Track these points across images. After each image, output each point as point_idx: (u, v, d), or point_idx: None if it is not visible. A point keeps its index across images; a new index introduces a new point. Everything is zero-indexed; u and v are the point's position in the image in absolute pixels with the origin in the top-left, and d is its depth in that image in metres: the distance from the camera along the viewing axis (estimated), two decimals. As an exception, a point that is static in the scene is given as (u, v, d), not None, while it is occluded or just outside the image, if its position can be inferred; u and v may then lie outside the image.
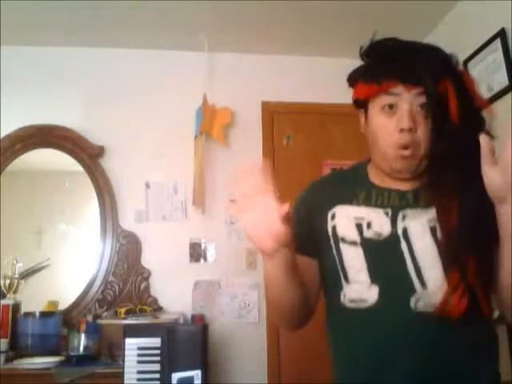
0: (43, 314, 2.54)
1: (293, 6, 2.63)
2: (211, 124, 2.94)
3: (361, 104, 1.07)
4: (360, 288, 1.00)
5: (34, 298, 2.66)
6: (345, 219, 1.04)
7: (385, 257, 1.00)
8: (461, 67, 1.05)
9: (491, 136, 0.98)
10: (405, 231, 1.00)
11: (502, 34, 2.30)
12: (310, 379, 2.69)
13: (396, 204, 1.03)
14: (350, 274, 1.02)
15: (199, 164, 2.88)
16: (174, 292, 2.84)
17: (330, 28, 2.88)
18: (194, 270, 2.88)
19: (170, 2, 2.57)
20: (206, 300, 2.86)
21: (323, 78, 3.07)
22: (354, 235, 1.02)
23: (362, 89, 1.04)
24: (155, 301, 2.81)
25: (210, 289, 2.87)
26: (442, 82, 0.97)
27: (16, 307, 2.59)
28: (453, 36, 2.74)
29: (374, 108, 1.03)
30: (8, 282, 2.66)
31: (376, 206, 1.04)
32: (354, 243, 1.02)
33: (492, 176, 0.87)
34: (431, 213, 0.99)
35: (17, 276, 2.69)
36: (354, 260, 1.02)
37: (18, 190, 2.91)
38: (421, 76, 0.97)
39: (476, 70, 2.50)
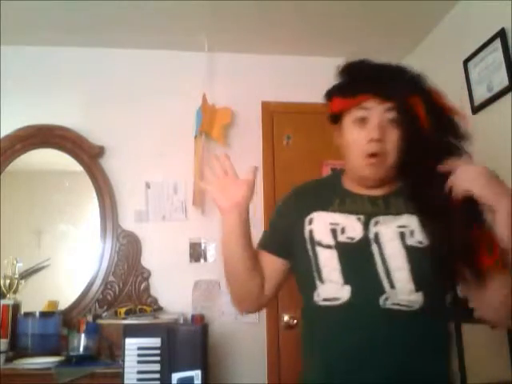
0: (43, 314, 2.54)
1: (293, 7, 2.63)
2: (211, 124, 2.94)
3: (335, 118, 1.20)
4: (333, 287, 1.08)
5: (34, 298, 2.66)
6: (321, 224, 1.13)
7: (357, 259, 1.08)
8: (430, 84, 1.14)
9: (465, 139, 1.08)
10: (376, 236, 1.09)
11: (501, 34, 2.30)
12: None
13: (368, 210, 1.13)
14: (324, 274, 1.10)
15: (199, 164, 2.88)
16: (174, 292, 2.84)
17: (330, 28, 2.88)
18: (194, 270, 2.88)
19: (169, 2, 2.57)
20: (206, 300, 2.86)
21: (323, 78, 3.05)
22: (328, 239, 1.11)
23: (338, 103, 1.16)
24: (155, 301, 2.81)
25: (210, 289, 2.87)
26: (411, 98, 1.08)
27: (16, 307, 2.58)
28: (453, 36, 2.74)
29: (348, 121, 1.14)
30: (8, 281, 2.66)
31: (350, 212, 1.13)
32: (328, 246, 1.10)
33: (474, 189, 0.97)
34: (401, 219, 1.09)
35: (17, 276, 2.69)
36: (328, 261, 1.10)
37: (18, 190, 2.90)
38: (391, 92, 1.08)
39: (476, 70, 2.50)
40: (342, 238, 1.10)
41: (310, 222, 1.15)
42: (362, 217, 1.12)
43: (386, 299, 1.03)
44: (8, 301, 2.58)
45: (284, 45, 3.07)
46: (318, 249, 1.12)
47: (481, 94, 2.46)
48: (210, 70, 3.05)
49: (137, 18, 2.75)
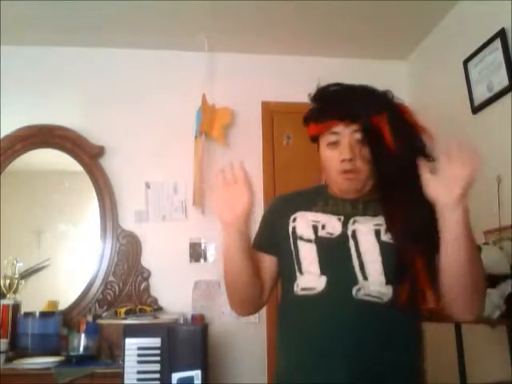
0: (43, 314, 2.54)
1: (293, 7, 2.63)
2: (211, 124, 2.94)
3: (313, 139, 1.30)
4: (311, 278, 1.16)
5: (34, 298, 2.66)
6: (303, 222, 1.23)
7: (334, 252, 1.17)
8: (398, 101, 1.24)
9: (430, 157, 1.12)
10: (353, 232, 1.18)
11: (501, 34, 2.30)
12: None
13: (348, 212, 1.21)
14: (303, 266, 1.18)
15: (199, 164, 2.88)
16: (174, 292, 2.84)
17: (330, 28, 2.88)
18: (194, 270, 2.89)
19: (169, 2, 2.57)
20: (206, 300, 2.86)
21: (323, 78, 3.06)
22: (309, 234, 1.20)
23: (313, 128, 1.27)
24: (155, 301, 2.81)
25: (210, 289, 2.87)
26: (377, 117, 1.16)
27: (16, 307, 2.59)
28: (453, 36, 2.74)
29: (323, 143, 1.24)
30: (8, 281, 2.66)
31: (331, 212, 1.22)
32: (309, 240, 1.20)
33: (434, 187, 1.04)
34: (377, 219, 1.18)
35: (17, 276, 2.70)
36: (308, 254, 1.18)
37: (18, 190, 2.91)
38: (355, 114, 1.17)
39: (476, 70, 2.50)
40: (321, 233, 1.19)
41: (294, 220, 1.25)
42: (342, 217, 1.21)
43: (359, 290, 1.11)
44: (8, 301, 2.59)
45: (284, 45, 3.07)
46: (300, 243, 1.20)
47: (481, 94, 2.46)
48: (210, 70, 3.05)
49: (137, 18, 2.75)
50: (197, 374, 2.05)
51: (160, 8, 2.63)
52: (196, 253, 2.91)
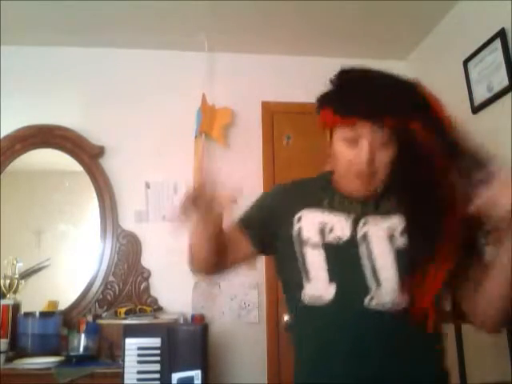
0: (43, 314, 2.54)
1: (293, 7, 2.63)
2: (211, 124, 2.94)
3: (324, 126, 1.14)
4: (319, 286, 1.07)
5: (34, 298, 2.66)
6: (309, 223, 1.13)
7: (343, 258, 1.08)
8: (428, 93, 1.10)
9: (461, 159, 1.02)
10: (364, 236, 1.08)
11: (501, 34, 2.30)
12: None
13: (358, 210, 1.11)
14: (311, 274, 1.09)
15: (199, 164, 2.88)
16: (174, 292, 2.84)
17: (330, 28, 2.88)
18: (194, 270, 2.88)
19: (169, 2, 2.57)
20: (206, 300, 2.86)
21: (323, 78, 3.06)
22: (316, 239, 1.10)
23: (328, 117, 1.10)
24: (155, 301, 2.81)
25: (210, 289, 2.87)
26: (407, 116, 1.03)
27: (16, 307, 2.58)
28: (453, 36, 2.74)
29: (338, 136, 1.09)
30: (8, 281, 2.66)
31: (339, 211, 1.12)
32: (316, 246, 1.10)
33: (489, 199, 0.93)
34: (390, 220, 1.08)
35: (17, 276, 2.69)
36: (315, 261, 1.09)
37: (18, 190, 2.91)
38: (384, 112, 1.03)
39: (476, 70, 2.50)
40: (329, 238, 1.10)
41: (299, 220, 1.15)
42: (351, 216, 1.11)
43: (371, 299, 1.03)
44: (8, 301, 2.58)
45: (284, 45, 3.07)
46: (306, 248, 1.11)
47: (481, 94, 2.46)
48: (210, 70, 3.05)
49: (137, 18, 2.75)
50: (197, 374, 2.05)
51: (160, 8, 2.63)
52: (196, 253, 2.90)
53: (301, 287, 1.10)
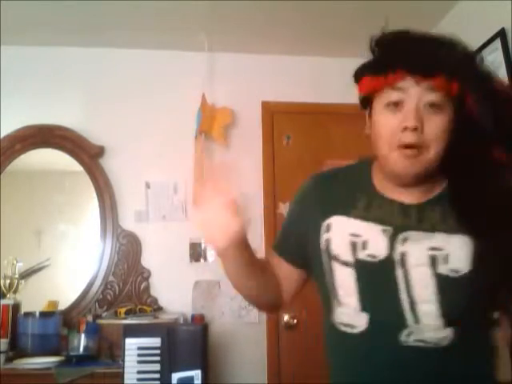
0: (43, 314, 2.54)
1: (293, 6, 2.63)
2: (211, 124, 2.94)
3: (366, 102, 0.98)
4: (349, 312, 0.95)
5: (34, 298, 2.66)
6: (339, 234, 0.97)
7: (377, 282, 0.93)
8: (485, 66, 0.96)
9: None
10: (402, 257, 0.92)
11: (502, 34, 2.30)
12: (309, 379, 2.69)
13: (398, 222, 0.95)
14: (341, 297, 0.97)
15: (199, 164, 2.88)
16: (174, 292, 2.84)
17: (331, 28, 2.88)
18: (194, 270, 2.88)
19: (170, 2, 2.57)
20: (206, 300, 2.86)
21: (323, 78, 3.06)
22: (347, 255, 0.95)
23: (367, 83, 0.94)
24: (155, 301, 2.81)
25: (210, 289, 2.87)
26: (458, 77, 0.88)
27: (16, 307, 2.58)
28: (453, 36, 2.74)
29: (379, 105, 0.94)
30: (8, 281, 2.66)
31: (375, 221, 0.96)
32: (346, 264, 0.95)
33: None
34: (435, 239, 0.91)
35: (17, 276, 2.69)
36: (345, 282, 0.96)
37: (18, 190, 2.90)
38: (433, 66, 0.87)
39: (476, 70, 2.50)
40: (362, 255, 0.94)
41: (328, 229, 0.99)
42: (388, 229, 0.94)
43: (409, 335, 0.89)
44: (8, 301, 2.58)
45: (284, 45, 3.07)
46: (335, 265, 0.97)
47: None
48: (210, 70, 3.05)
49: (137, 18, 2.75)
50: (197, 374, 2.05)
51: (160, 8, 2.63)
52: (196, 253, 2.91)
53: (331, 307, 0.99)
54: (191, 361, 2.07)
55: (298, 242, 1.07)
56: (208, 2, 2.58)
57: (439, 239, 0.91)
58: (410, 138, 0.88)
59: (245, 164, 2.97)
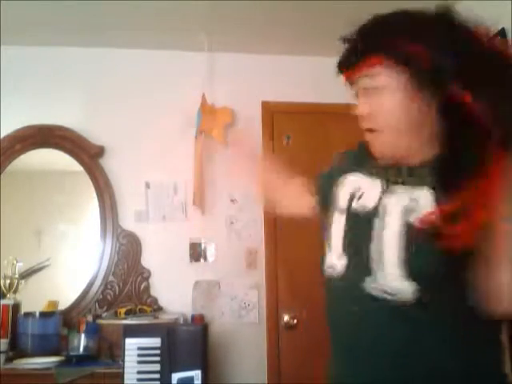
0: (43, 314, 2.54)
1: (293, 6, 2.63)
2: (211, 124, 2.94)
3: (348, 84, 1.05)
4: (334, 255, 1.02)
5: (34, 298, 2.66)
6: (347, 188, 1.06)
7: (359, 230, 0.98)
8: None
9: None
10: (383, 208, 0.96)
11: (502, 34, 2.30)
12: (309, 379, 2.69)
13: (391, 177, 0.99)
14: (332, 242, 1.04)
15: (199, 164, 2.88)
16: (174, 292, 2.84)
17: (330, 28, 2.87)
18: (194, 270, 2.88)
19: (169, 2, 2.57)
20: (206, 300, 2.86)
21: (323, 78, 3.05)
22: (344, 204, 1.04)
23: (345, 74, 1.03)
24: (155, 301, 2.81)
25: (210, 289, 2.87)
26: (411, 47, 0.90)
27: (16, 307, 2.59)
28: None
29: (354, 91, 1.03)
30: (8, 281, 2.66)
31: (377, 175, 1.01)
32: (342, 211, 1.04)
33: None
34: (416, 192, 0.93)
35: (17, 276, 2.70)
36: (337, 227, 1.03)
37: (18, 190, 2.91)
38: (364, 51, 0.94)
39: (476, 70, 2.50)
40: (355, 205, 1.01)
41: (342, 184, 1.08)
42: (384, 183, 0.99)
43: (372, 282, 0.92)
44: (8, 301, 2.59)
45: (284, 45, 3.07)
46: (335, 214, 1.05)
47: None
48: (210, 70, 3.05)
49: (137, 18, 2.75)
50: (197, 374, 2.05)
51: (160, 8, 2.63)
52: (196, 253, 2.91)
53: (325, 254, 1.05)
54: (191, 361, 2.07)
55: (323, 197, 1.16)
56: (208, 2, 2.58)
57: (419, 192, 0.93)
58: (363, 123, 0.97)
59: (245, 164, 2.96)
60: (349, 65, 0.96)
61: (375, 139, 0.97)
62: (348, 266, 0.97)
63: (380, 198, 0.97)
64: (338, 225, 1.03)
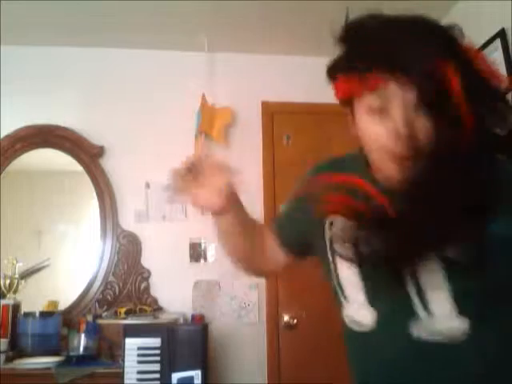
0: (43, 314, 2.54)
1: (293, 6, 2.63)
2: (211, 124, 2.94)
3: (345, 102, 0.89)
4: (357, 309, 0.90)
5: (34, 298, 2.66)
6: (341, 229, 0.91)
7: (382, 276, 0.85)
8: (467, 42, 0.84)
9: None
10: None
11: (501, 34, 2.30)
12: (309, 379, 2.70)
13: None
14: (347, 293, 0.92)
15: (199, 164, 2.87)
16: (174, 292, 2.84)
17: (330, 28, 2.88)
18: (194, 270, 2.88)
19: (170, 2, 2.57)
20: (206, 300, 2.86)
21: (323, 78, 3.06)
22: (349, 251, 0.88)
23: (342, 86, 0.86)
24: (155, 301, 2.81)
25: (210, 289, 2.87)
26: (441, 66, 0.76)
27: (16, 307, 2.58)
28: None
29: (360, 109, 0.84)
30: (8, 282, 2.66)
31: None
32: (348, 258, 0.89)
33: None
34: None
35: (17, 276, 2.70)
36: (350, 278, 0.91)
37: (18, 190, 2.91)
38: (412, 64, 0.76)
39: (476, 70, 2.50)
40: (364, 249, 0.86)
41: (331, 226, 0.94)
42: None
43: (421, 327, 0.83)
44: (8, 301, 2.58)
45: (284, 45, 3.07)
46: (338, 260, 0.93)
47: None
48: (210, 70, 3.05)
49: (137, 18, 2.75)
50: (197, 374, 2.05)
51: (160, 8, 2.63)
52: (196, 253, 2.91)
53: (340, 304, 0.95)
54: (191, 361, 2.07)
55: (299, 233, 1.05)
56: (208, 2, 2.58)
57: None
58: (404, 148, 0.78)
59: (245, 164, 2.97)
60: (394, 69, 0.77)
61: (410, 164, 0.79)
62: (381, 318, 0.87)
63: None
64: (349, 275, 0.91)
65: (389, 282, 0.85)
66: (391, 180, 0.83)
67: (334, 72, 0.90)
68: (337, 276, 0.94)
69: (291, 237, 1.08)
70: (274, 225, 1.13)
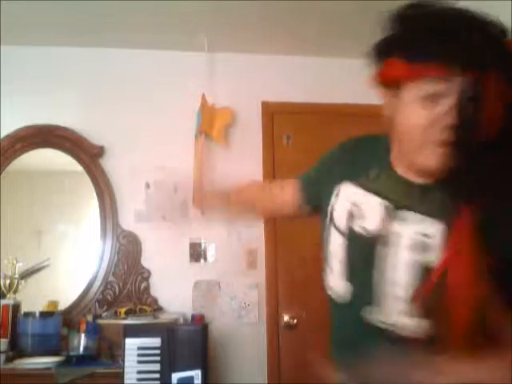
0: (43, 314, 2.54)
1: (293, 6, 2.63)
2: (211, 124, 2.94)
3: (391, 83, 0.86)
4: (336, 279, 0.97)
5: (34, 298, 2.66)
6: (343, 202, 0.98)
7: (361, 256, 0.92)
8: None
9: None
10: (389, 235, 0.89)
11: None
12: (309, 379, 2.69)
13: (399, 200, 0.90)
14: (331, 262, 0.99)
15: (199, 164, 2.88)
16: (174, 292, 2.84)
17: (330, 28, 2.88)
18: (194, 270, 2.88)
19: (170, 2, 2.57)
20: (206, 300, 2.86)
21: (323, 78, 3.06)
22: (343, 223, 0.96)
23: (400, 68, 0.82)
24: (155, 301, 2.81)
25: (210, 289, 2.87)
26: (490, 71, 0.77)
27: (16, 307, 2.59)
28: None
29: (412, 95, 0.82)
30: (8, 282, 2.66)
31: (379, 194, 0.92)
32: (340, 231, 0.96)
33: None
34: (425, 225, 0.86)
35: (17, 276, 2.70)
36: (336, 249, 0.97)
37: (18, 190, 2.91)
38: (482, 58, 0.77)
39: (476, 70, 2.50)
40: (356, 226, 0.93)
41: (337, 195, 1.00)
42: (387, 205, 0.90)
43: (372, 313, 0.89)
44: (8, 301, 2.59)
45: (284, 45, 3.06)
46: (332, 230, 0.98)
47: None
48: (210, 70, 3.05)
49: (137, 18, 2.75)
50: (197, 374, 2.05)
51: (160, 8, 2.63)
52: (196, 253, 2.91)
53: (325, 270, 1.01)
54: (191, 361, 2.07)
55: (317, 190, 1.11)
56: (208, 2, 2.58)
57: (429, 225, 0.85)
58: (450, 136, 0.79)
59: (245, 164, 2.97)
60: (466, 64, 0.76)
61: (445, 153, 0.81)
62: (351, 293, 0.94)
63: (384, 222, 0.90)
64: (336, 245, 0.97)
65: (364, 263, 0.91)
66: (427, 168, 0.85)
67: (388, 49, 0.85)
68: (327, 244, 1.00)
69: (312, 192, 1.14)
70: (298, 180, 1.21)
